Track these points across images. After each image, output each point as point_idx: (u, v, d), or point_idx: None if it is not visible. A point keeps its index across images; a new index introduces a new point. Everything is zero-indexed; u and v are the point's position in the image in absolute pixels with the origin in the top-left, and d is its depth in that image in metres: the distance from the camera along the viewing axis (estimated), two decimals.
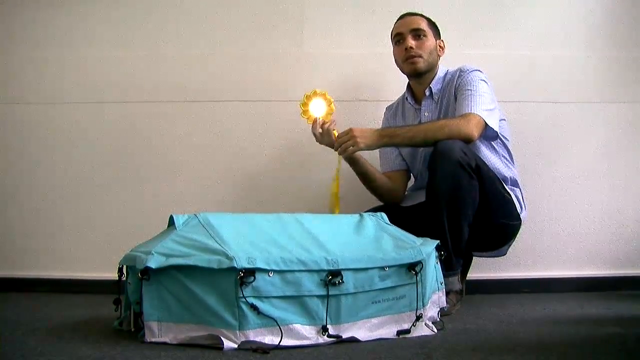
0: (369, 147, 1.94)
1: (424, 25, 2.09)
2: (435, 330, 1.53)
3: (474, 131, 1.88)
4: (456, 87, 2.04)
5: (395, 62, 2.15)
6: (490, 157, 2.03)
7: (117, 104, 2.48)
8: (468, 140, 1.87)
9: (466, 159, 1.79)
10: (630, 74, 2.49)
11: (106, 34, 2.50)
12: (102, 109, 2.48)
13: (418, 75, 2.10)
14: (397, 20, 2.15)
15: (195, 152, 2.47)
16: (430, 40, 2.09)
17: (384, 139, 1.94)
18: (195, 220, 1.49)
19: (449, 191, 1.79)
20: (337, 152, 1.95)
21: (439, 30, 2.14)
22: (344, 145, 1.91)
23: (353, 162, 2.05)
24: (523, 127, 2.41)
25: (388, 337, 1.46)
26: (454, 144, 1.80)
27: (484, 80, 2.02)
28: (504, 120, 2.10)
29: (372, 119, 2.36)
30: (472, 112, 1.91)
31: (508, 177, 2.06)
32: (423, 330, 1.51)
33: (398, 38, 2.11)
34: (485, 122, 1.92)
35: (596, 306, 2.03)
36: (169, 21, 2.50)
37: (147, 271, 1.33)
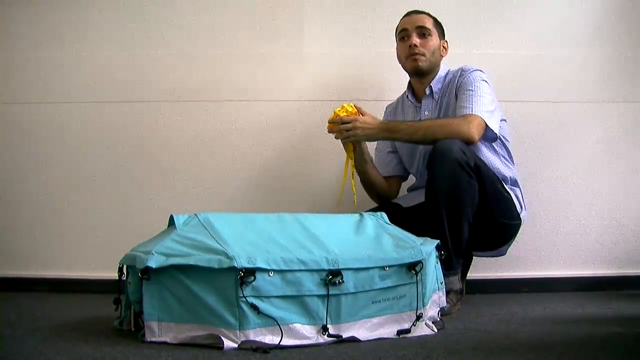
0: (369, 139, 2.01)
1: (429, 24, 2.09)
2: (436, 330, 1.53)
3: (475, 133, 1.89)
4: (457, 87, 2.04)
5: (398, 58, 2.15)
6: (490, 157, 2.03)
7: (117, 104, 2.48)
8: (468, 142, 1.87)
9: (465, 158, 1.79)
10: (631, 74, 2.49)
11: (106, 34, 2.50)
12: (102, 109, 2.48)
13: (419, 73, 2.10)
14: (404, 16, 2.14)
15: (196, 152, 2.46)
16: (434, 40, 2.09)
17: (385, 133, 1.97)
18: (195, 219, 1.49)
19: (448, 190, 1.79)
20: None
21: (444, 30, 2.14)
22: (345, 133, 1.96)
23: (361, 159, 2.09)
24: (523, 127, 2.41)
25: (388, 336, 1.46)
26: (453, 144, 1.80)
27: (485, 81, 2.02)
28: (504, 120, 2.10)
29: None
30: (474, 113, 1.92)
31: (508, 176, 2.06)
32: (423, 329, 1.51)
33: (403, 34, 2.11)
34: (486, 124, 1.92)
35: (596, 306, 2.03)
36: (169, 22, 2.50)
37: (147, 271, 1.33)
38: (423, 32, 2.08)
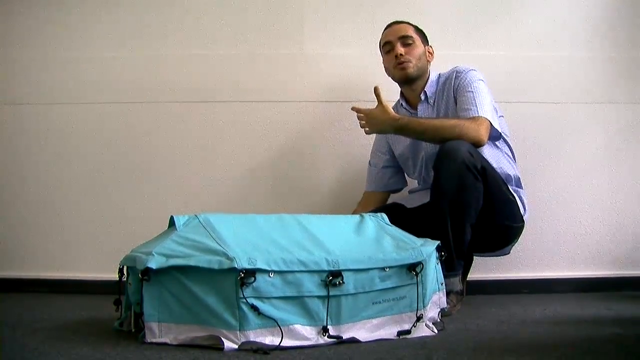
0: (380, 133, 2.10)
1: (411, 32, 2.11)
2: (436, 331, 1.53)
3: (484, 135, 1.90)
4: (455, 89, 2.04)
5: (386, 70, 2.17)
6: (494, 154, 2.03)
7: (117, 105, 2.48)
8: (478, 144, 1.88)
9: (472, 160, 1.80)
10: (631, 75, 2.49)
11: (106, 35, 2.50)
12: (103, 110, 2.48)
13: (409, 80, 2.11)
14: (385, 29, 2.16)
15: (196, 152, 2.47)
16: (419, 47, 2.10)
17: (394, 130, 1.98)
18: (195, 220, 1.49)
19: (453, 191, 1.79)
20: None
21: (426, 36, 2.16)
22: (360, 123, 2.05)
23: None
24: (523, 128, 2.41)
25: (388, 337, 1.46)
26: (460, 145, 1.81)
27: (482, 80, 2.03)
28: (502, 116, 2.11)
29: None
30: (480, 115, 1.92)
31: (512, 175, 2.06)
32: (423, 330, 1.51)
33: (387, 47, 2.13)
34: (491, 124, 1.93)
35: (596, 307, 2.03)
36: (170, 22, 2.50)
37: (147, 272, 1.33)
38: (406, 41, 2.09)
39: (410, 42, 2.09)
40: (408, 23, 2.14)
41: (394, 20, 2.17)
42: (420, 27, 2.16)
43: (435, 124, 1.95)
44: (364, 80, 2.46)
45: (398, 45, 2.08)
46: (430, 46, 2.16)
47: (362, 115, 2.03)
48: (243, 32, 2.49)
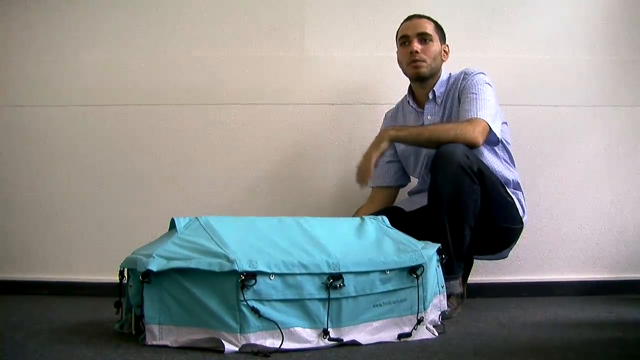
0: (383, 147, 1.92)
1: (430, 29, 2.08)
2: (437, 334, 1.53)
3: (479, 137, 1.89)
4: (460, 90, 2.03)
5: (399, 63, 2.14)
6: (492, 159, 2.03)
7: (119, 107, 2.48)
8: (472, 146, 1.87)
9: (468, 162, 1.79)
10: (631, 77, 2.49)
11: (107, 37, 2.50)
12: (104, 112, 2.48)
13: (421, 79, 2.09)
14: (404, 21, 2.13)
15: (197, 155, 2.47)
16: (435, 45, 2.08)
17: (392, 137, 1.93)
18: (196, 223, 1.49)
19: (450, 195, 1.79)
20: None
21: (444, 34, 2.13)
22: (361, 171, 1.93)
23: None
24: (524, 130, 2.41)
25: (389, 340, 1.46)
26: (456, 148, 1.80)
27: (489, 84, 2.02)
28: (505, 123, 2.10)
29: (373, 122, 2.36)
30: (478, 117, 1.91)
31: (510, 179, 2.06)
32: (424, 333, 1.51)
33: (404, 40, 2.10)
34: (490, 128, 1.92)
35: (597, 310, 2.03)
36: (171, 24, 2.51)
37: (148, 274, 1.34)
38: (424, 38, 2.06)
39: (428, 39, 2.06)
40: (429, 18, 2.11)
41: (411, 15, 2.13)
42: None
43: (429, 127, 1.95)
44: (365, 83, 2.48)
45: (415, 42, 2.05)
46: (447, 45, 2.14)
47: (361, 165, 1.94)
48: (244, 34, 2.49)
